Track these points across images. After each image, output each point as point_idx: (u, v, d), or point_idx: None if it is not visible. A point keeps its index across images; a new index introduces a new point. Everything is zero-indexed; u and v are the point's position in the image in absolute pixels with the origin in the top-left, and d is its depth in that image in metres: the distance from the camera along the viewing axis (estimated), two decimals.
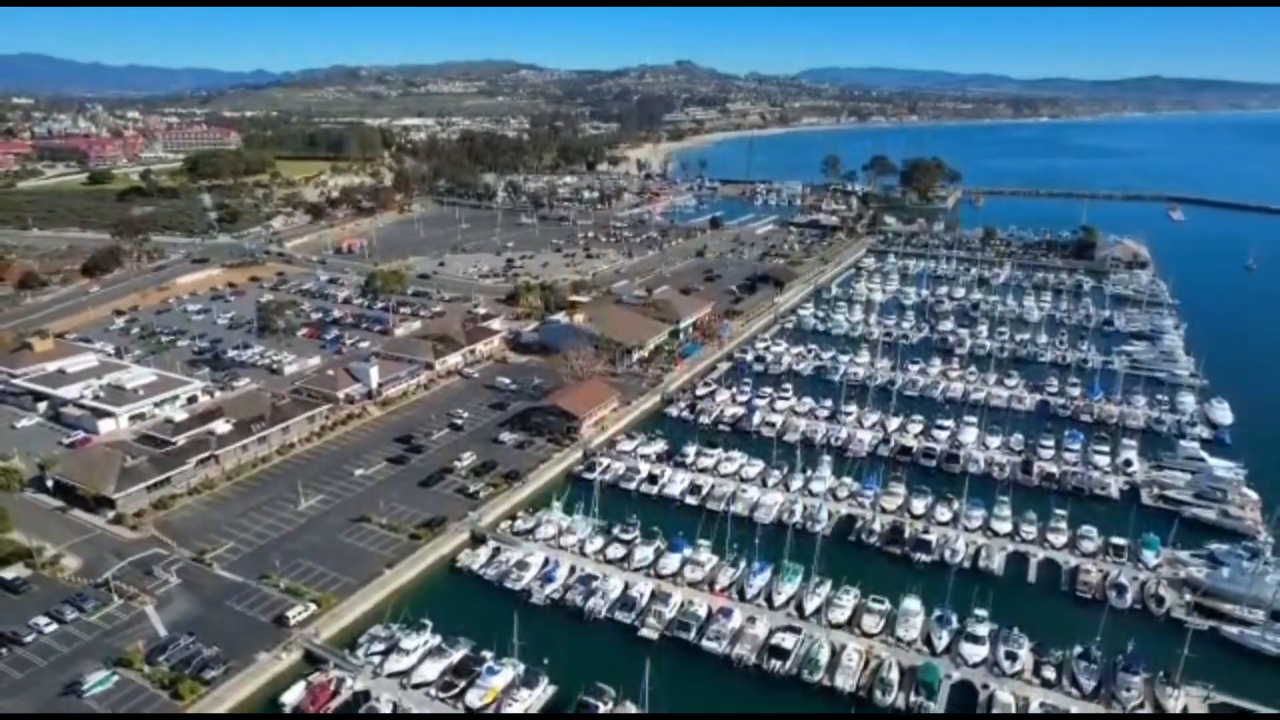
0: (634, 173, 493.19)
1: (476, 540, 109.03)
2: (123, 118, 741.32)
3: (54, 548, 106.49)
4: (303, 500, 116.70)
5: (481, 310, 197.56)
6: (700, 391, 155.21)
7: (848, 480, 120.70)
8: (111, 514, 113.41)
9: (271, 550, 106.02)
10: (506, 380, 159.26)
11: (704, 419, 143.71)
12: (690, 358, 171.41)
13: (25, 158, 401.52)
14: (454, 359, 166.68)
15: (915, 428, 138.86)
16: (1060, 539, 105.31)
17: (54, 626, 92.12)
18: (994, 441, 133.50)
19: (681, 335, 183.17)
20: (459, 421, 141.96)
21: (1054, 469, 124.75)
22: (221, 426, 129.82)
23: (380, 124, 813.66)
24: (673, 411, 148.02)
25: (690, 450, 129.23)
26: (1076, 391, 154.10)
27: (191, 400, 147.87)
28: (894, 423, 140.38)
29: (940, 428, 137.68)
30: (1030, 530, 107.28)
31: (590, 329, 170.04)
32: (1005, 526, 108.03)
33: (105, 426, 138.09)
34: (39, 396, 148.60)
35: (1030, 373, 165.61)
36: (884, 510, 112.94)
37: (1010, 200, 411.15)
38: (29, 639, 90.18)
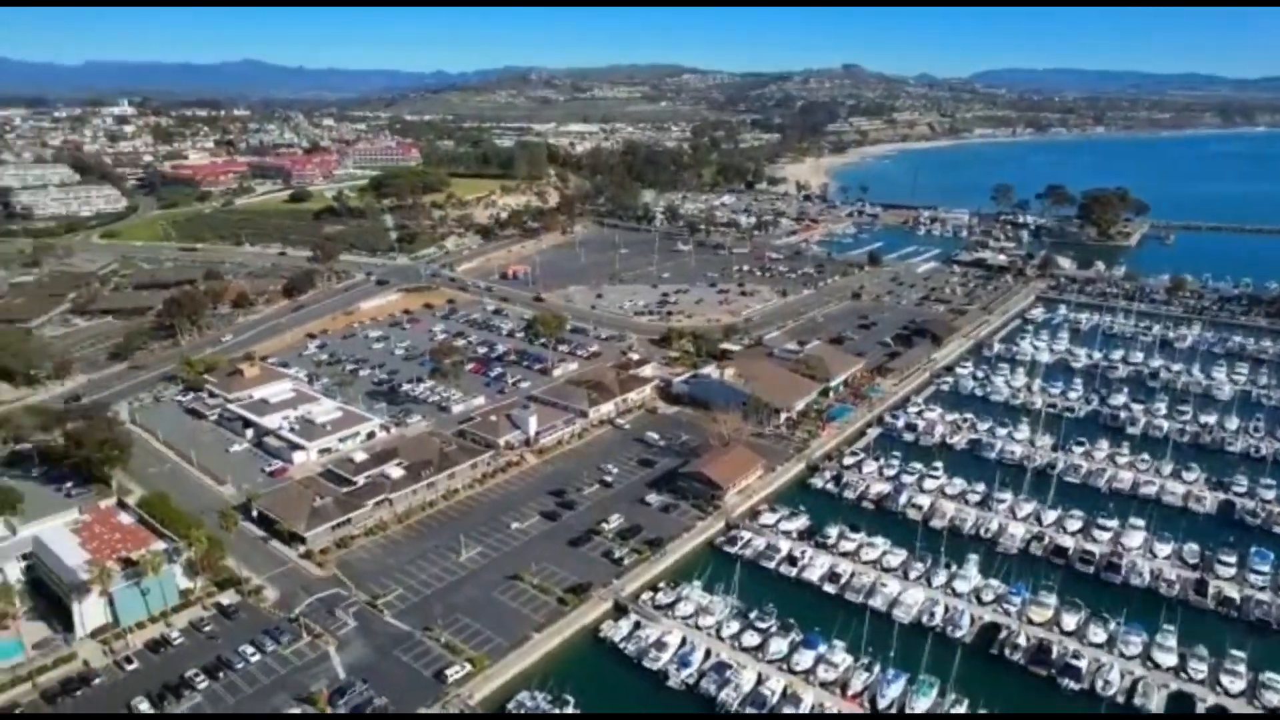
0: (792, 193, 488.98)
1: (619, 610, 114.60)
2: (319, 125, 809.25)
3: (258, 578, 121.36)
4: (464, 551, 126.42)
5: (635, 355, 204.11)
6: (847, 461, 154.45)
7: (994, 582, 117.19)
8: (303, 549, 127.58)
9: (434, 601, 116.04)
10: (655, 435, 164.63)
11: (848, 494, 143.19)
12: (839, 420, 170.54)
13: (242, 176, 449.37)
14: (607, 407, 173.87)
15: (1074, 524, 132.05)
16: (1237, 684, 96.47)
17: (257, 656, 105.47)
18: (1163, 549, 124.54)
19: (831, 394, 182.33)
20: (609, 478, 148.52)
21: (1235, 593, 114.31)
22: (395, 470, 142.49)
23: (547, 130, 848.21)
24: (817, 482, 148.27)
25: (833, 531, 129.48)
26: (1271, 495, 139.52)
27: (370, 436, 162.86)
28: (1050, 516, 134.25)
29: (1102, 527, 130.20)
30: (1200, 668, 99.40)
31: (740, 387, 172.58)
32: (1170, 659, 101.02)
33: (298, 458, 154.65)
34: (247, 423, 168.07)
35: (1215, 465, 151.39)
36: (1031, 621, 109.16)
37: (1209, 237, 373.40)
38: (239, 666, 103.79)
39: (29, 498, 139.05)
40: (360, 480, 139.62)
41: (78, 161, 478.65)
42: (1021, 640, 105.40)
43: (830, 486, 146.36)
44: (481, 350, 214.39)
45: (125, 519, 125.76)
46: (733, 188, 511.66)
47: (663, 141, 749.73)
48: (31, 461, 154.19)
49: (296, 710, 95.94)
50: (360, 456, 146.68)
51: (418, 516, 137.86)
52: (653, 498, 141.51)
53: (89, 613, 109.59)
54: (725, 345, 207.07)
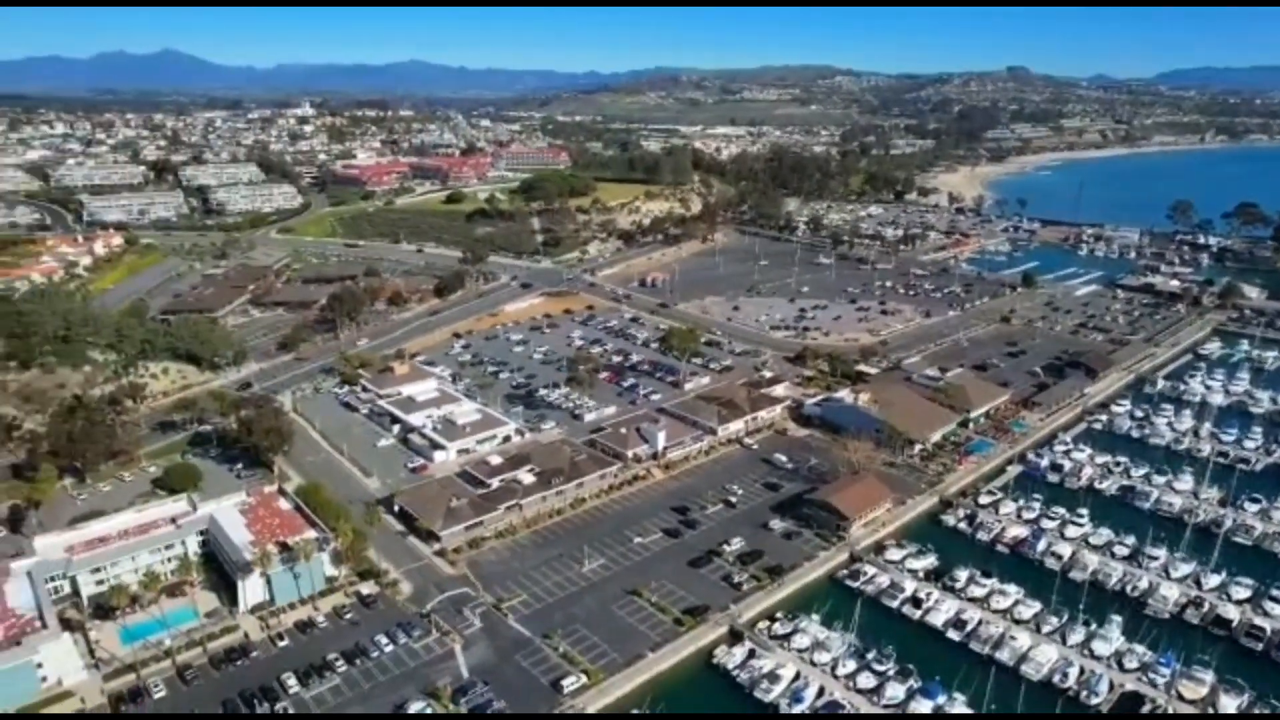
0: (944, 205, 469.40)
1: (735, 636, 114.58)
2: (476, 125, 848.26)
3: (395, 571, 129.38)
4: (586, 562, 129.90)
5: (768, 373, 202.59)
6: (983, 499, 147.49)
7: (1139, 648, 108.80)
8: (437, 546, 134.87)
9: (555, 609, 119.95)
10: (783, 458, 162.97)
11: (982, 535, 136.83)
12: (977, 455, 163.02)
13: (403, 176, 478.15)
14: (736, 425, 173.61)
15: (1241, 592, 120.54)
16: None
17: (390, 647, 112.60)
18: None
19: (971, 425, 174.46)
20: (733, 499, 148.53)
21: None
22: (526, 476, 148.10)
23: (693, 132, 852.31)
24: (949, 520, 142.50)
25: (962, 574, 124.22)
26: None
27: (506, 440, 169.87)
28: (1213, 580, 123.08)
29: (1276, 600, 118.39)
30: None
31: (874, 414, 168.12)
32: None
33: (439, 457, 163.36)
34: (394, 419, 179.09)
35: None
36: (1181, 698, 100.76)
37: None
38: (374, 654, 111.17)
39: (207, 475, 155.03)
40: (494, 484, 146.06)
41: (264, 161, 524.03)
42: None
43: (963, 526, 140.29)
44: (616, 359, 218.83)
45: (284, 505, 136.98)
46: (880, 198, 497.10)
47: (810, 146, 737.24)
48: (211, 442, 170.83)
49: (421, 704, 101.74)
50: (495, 460, 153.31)
51: (545, 523, 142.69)
52: (776, 523, 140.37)
53: (250, 590, 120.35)
54: (861, 367, 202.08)
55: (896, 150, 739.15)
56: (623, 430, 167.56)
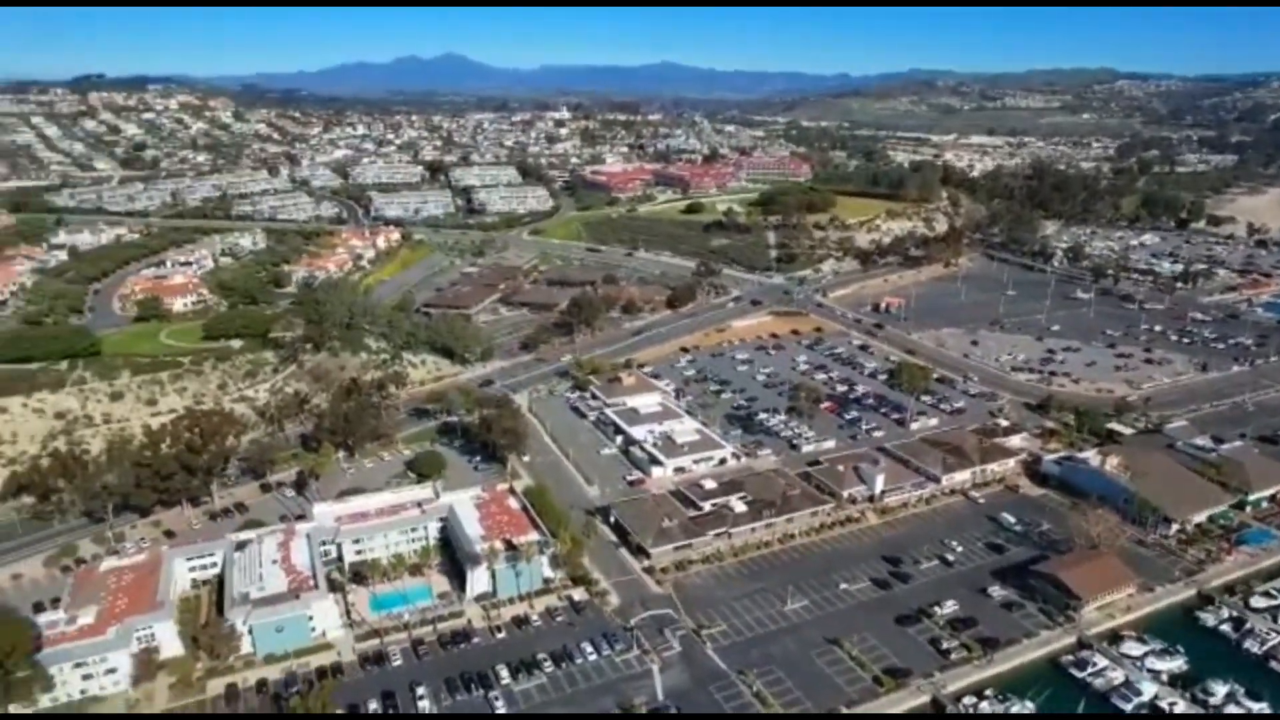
0: (1240, 236, 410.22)
1: (936, 708, 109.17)
2: (720, 130, 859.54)
3: (605, 581, 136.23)
4: (790, 601, 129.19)
5: (1004, 421, 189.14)
6: (1257, 601, 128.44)
7: None
8: (646, 563, 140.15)
9: (753, 646, 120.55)
10: (1011, 518, 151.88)
11: (1251, 645, 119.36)
12: (1253, 546, 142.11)
13: (646, 183, 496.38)
14: (962, 476, 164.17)
15: None
16: None
17: (594, 656, 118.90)
18: None
19: (1248, 509, 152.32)
20: (950, 557, 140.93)
21: None
22: (738, 504, 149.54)
23: (945, 141, 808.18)
24: (1209, 619, 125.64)
25: (1219, 689, 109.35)
26: None
27: (722, 463, 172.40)
28: None
29: None
30: None
31: (1124, 482, 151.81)
32: None
33: (656, 473, 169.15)
34: (618, 429, 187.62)
35: None
36: None
37: None
38: (578, 660, 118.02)
39: (450, 464, 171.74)
40: (706, 507, 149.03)
41: (521, 164, 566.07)
42: None
43: (1227, 629, 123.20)
44: (841, 389, 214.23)
45: (513, 504, 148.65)
46: (1159, 224, 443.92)
47: (1077, 161, 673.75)
48: (456, 433, 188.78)
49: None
50: (709, 484, 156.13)
51: (752, 554, 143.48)
52: (996, 590, 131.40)
53: (477, 580, 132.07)
54: (1114, 426, 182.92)
55: (1184, 167, 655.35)
56: (840, 467, 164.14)
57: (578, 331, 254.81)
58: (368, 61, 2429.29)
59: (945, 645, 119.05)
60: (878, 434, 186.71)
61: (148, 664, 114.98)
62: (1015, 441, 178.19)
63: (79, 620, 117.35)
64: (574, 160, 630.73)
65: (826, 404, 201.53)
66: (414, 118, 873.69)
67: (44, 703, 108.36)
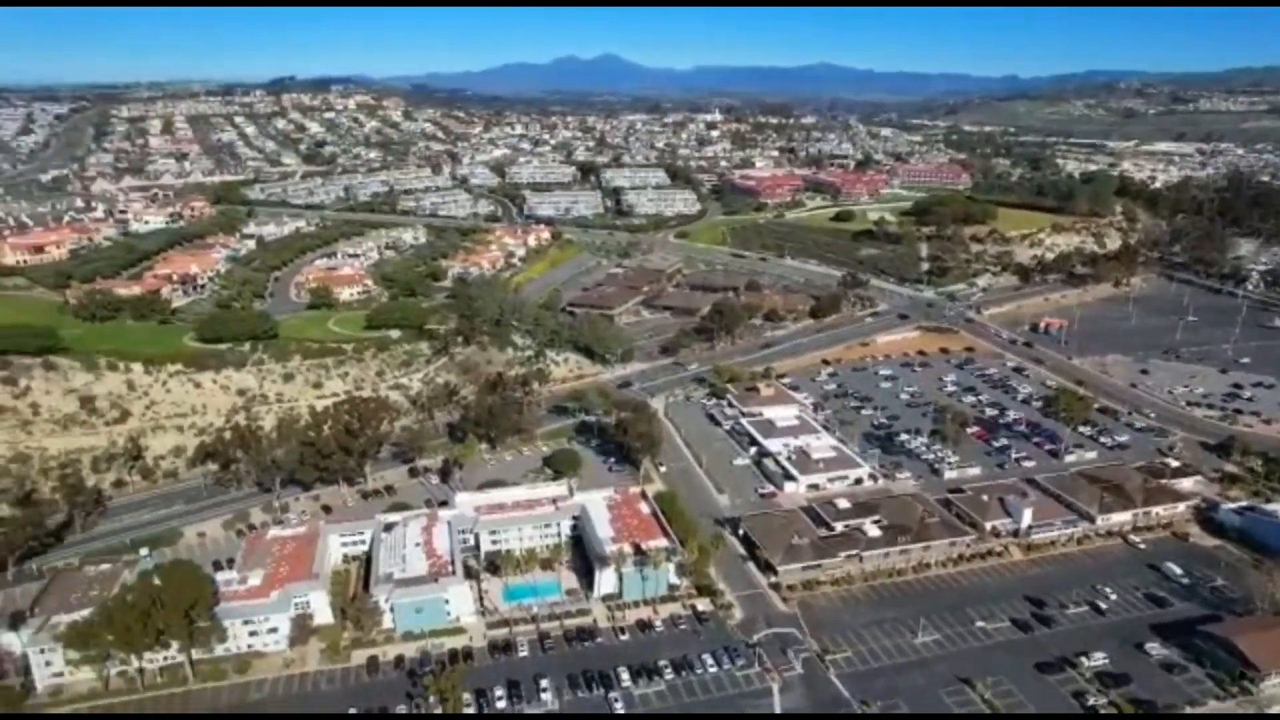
0: None
1: None
2: (876, 134, 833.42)
3: (730, 594, 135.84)
4: (920, 634, 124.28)
5: (1174, 461, 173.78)
6: None
7: None
8: (773, 579, 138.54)
9: (878, 676, 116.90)
10: (1178, 569, 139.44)
11: None
12: None
13: (796, 189, 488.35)
14: (1121, 517, 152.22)
15: None
16: None
17: (714, 668, 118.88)
18: None
19: None
20: (1103, 604, 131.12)
21: None
22: (872, 527, 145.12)
23: (1123, 149, 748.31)
24: None
25: None
26: None
27: (858, 482, 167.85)
28: None
29: None
30: None
31: None
32: None
33: (788, 487, 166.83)
34: (752, 440, 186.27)
35: None
36: None
37: None
38: (699, 671, 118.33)
39: (585, 463, 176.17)
40: (838, 528, 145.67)
41: (670, 166, 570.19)
42: None
43: None
44: (990, 413, 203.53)
45: (644, 508, 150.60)
46: None
47: None
48: (592, 432, 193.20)
49: None
50: (843, 504, 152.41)
51: (883, 581, 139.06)
52: (1155, 647, 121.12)
53: (605, 581, 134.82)
54: None
55: None
56: (984, 497, 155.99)
57: (718, 338, 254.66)
58: (529, 62, 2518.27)
59: (1092, 701, 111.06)
60: (1028, 464, 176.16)
61: (303, 629, 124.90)
62: (1187, 485, 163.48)
63: (248, 581, 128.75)
64: (723, 163, 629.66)
65: (974, 429, 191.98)
66: (569, 118, 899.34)
67: (218, 651, 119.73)
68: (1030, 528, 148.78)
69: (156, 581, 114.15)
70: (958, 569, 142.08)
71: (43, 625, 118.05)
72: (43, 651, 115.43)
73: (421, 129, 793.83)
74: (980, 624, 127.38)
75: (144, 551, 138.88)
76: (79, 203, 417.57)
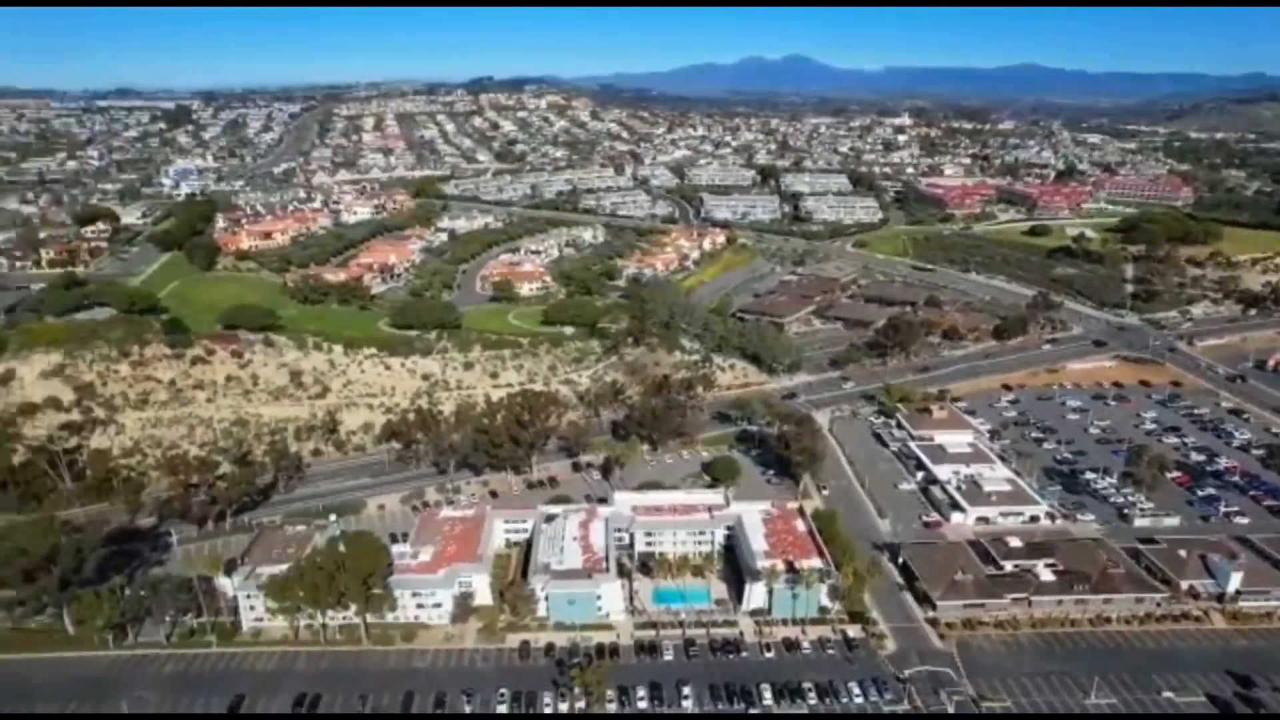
0: None
1: None
2: (1082, 142, 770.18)
3: (883, 624, 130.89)
4: (1094, 695, 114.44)
5: None
6: None
7: None
8: (930, 614, 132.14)
9: None
10: None
11: None
12: None
13: (987, 200, 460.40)
14: None
15: None
16: None
17: (860, 699, 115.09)
18: None
19: None
20: None
21: None
22: (1046, 571, 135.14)
23: None
24: None
25: None
26: None
27: (1033, 520, 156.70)
28: None
29: None
30: None
31: None
32: None
33: (955, 518, 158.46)
34: (920, 465, 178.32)
35: None
36: None
37: None
38: (844, 700, 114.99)
39: (743, 472, 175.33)
40: (1008, 567, 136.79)
41: (853, 172, 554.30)
42: None
43: None
44: (1197, 458, 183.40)
45: (800, 526, 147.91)
46: None
47: None
48: (753, 441, 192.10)
49: None
50: (1014, 542, 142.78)
51: (1054, 630, 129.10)
52: None
53: (754, 595, 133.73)
54: None
55: None
56: (1182, 552, 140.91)
57: (891, 354, 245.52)
58: (715, 63, 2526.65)
59: None
60: (1240, 520, 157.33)
61: (464, 607, 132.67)
62: None
63: (419, 557, 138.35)
64: (909, 170, 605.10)
65: (1176, 474, 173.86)
66: (752, 120, 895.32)
67: (388, 618, 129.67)
68: (1239, 593, 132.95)
69: (342, 549, 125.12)
70: (1144, 628, 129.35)
71: (250, 574, 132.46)
72: (249, 597, 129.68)
73: (607, 129, 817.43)
74: (1168, 694, 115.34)
75: (332, 517, 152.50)
76: (301, 194, 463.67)
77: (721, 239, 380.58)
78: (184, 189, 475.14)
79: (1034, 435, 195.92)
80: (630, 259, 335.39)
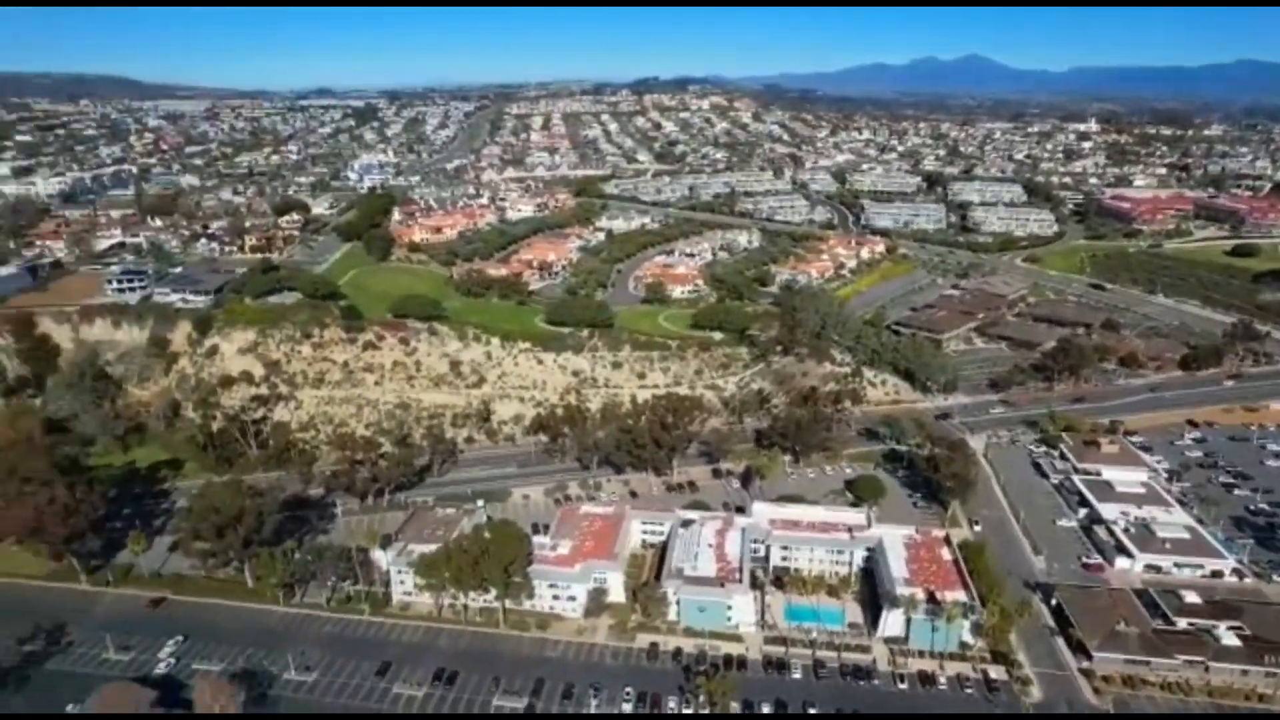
0: None
1: None
2: None
3: (1029, 667, 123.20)
4: None
5: None
6: None
7: None
8: (1085, 664, 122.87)
9: None
10: None
11: None
12: None
13: (1182, 216, 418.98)
14: None
15: None
16: None
17: None
18: None
19: None
20: None
21: None
22: (1228, 634, 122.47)
23: None
24: None
25: None
26: None
27: (1215, 576, 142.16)
28: None
29: None
30: None
31: None
32: None
33: (1120, 563, 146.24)
34: (1083, 501, 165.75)
35: None
36: None
37: None
38: None
39: (888, 493, 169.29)
40: (1181, 624, 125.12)
41: (1028, 182, 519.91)
42: None
43: None
44: None
45: (945, 555, 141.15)
46: None
47: None
48: (900, 461, 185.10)
49: None
50: (1190, 597, 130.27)
51: (1233, 702, 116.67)
52: None
53: (891, 622, 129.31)
54: None
55: None
56: None
57: (1058, 379, 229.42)
58: (885, 63, 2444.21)
59: None
60: None
61: (598, 602, 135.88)
62: None
63: (558, 549, 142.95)
64: (1093, 180, 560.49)
65: None
66: (921, 124, 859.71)
67: (525, 605, 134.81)
68: None
69: (487, 535, 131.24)
70: None
71: (402, 550, 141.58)
72: (400, 572, 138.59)
73: (768, 131, 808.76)
74: None
75: (480, 503, 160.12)
76: (470, 190, 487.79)
77: (881, 248, 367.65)
78: (367, 182, 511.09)
79: (1223, 480, 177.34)
80: (784, 265, 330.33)
